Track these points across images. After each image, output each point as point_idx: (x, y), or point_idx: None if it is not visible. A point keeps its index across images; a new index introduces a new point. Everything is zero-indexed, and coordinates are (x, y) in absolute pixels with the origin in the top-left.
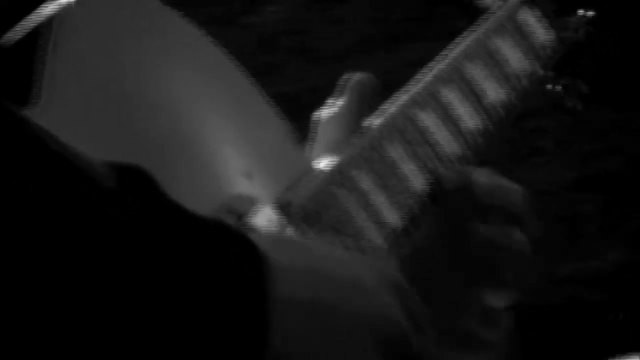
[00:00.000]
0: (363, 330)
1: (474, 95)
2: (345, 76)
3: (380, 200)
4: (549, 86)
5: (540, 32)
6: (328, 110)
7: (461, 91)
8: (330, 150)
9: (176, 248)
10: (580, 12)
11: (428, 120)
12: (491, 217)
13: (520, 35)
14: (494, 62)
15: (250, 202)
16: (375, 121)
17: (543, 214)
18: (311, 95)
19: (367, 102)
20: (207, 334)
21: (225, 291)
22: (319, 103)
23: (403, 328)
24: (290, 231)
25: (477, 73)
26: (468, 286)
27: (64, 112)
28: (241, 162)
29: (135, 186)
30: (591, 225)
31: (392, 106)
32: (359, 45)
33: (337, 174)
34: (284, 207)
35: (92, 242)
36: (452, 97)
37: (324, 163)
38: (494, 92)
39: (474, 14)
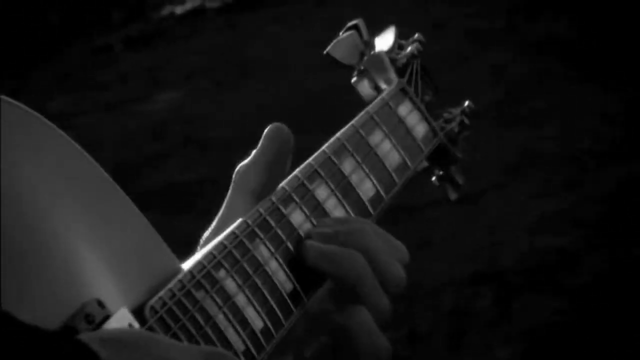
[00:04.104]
0: None
1: (343, 191)
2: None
3: (244, 301)
4: (433, 177)
5: (413, 124)
6: (246, 160)
7: (331, 186)
8: (250, 198)
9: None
10: (465, 104)
11: (297, 218)
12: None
13: (393, 128)
14: (366, 157)
15: (106, 306)
16: (245, 218)
17: (434, 308)
18: (199, 184)
19: (285, 148)
20: None
21: None
22: (207, 192)
23: None
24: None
25: (349, 167)
26: None
27: None
28: (98, 265)
29: None
30: (481, 320)
31: (261, 204)
32: (248, 135)
33: (200, 276)
34: (139, 311)
35: None
36: (321, 193)
37: (189, 263)
38: (364, 188)
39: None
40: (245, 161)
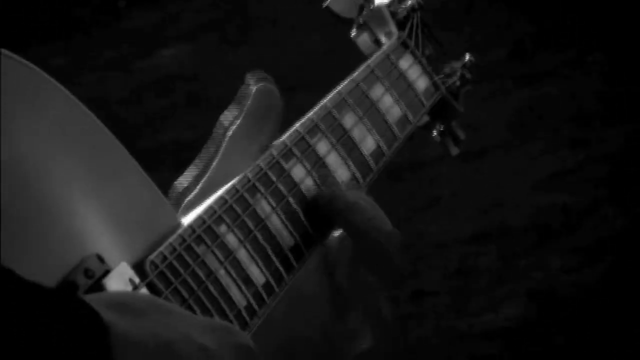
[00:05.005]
0: None
1: (344, 145)
2: (243, 86)
3: (245, 256)
4: (434, 132)
5: (415, 78)
6: (233, 125)
7: (332, 141)
8: (239, 154)
9: (5, 319)
10: (466, 57)
11: (298, 172)
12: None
13: (394, 81)
14: (367, 111)
15: (106, 261)
16: (246, 173)
17: (440, 266)
18: (204, 141)
19: (271, 108)
20: None
21: None
22: None
23: None
24: (145, 290)
25: (349, 122)
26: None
27: None
28: (98, 220)
29: None
30: (487, 278)
31: (262, 159)
32: None
33: (200, 230)
34: (140, 266)
35: None
36: (322, 147)
37: (189, 218)
38: (365, 142)
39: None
40: (232, 118)
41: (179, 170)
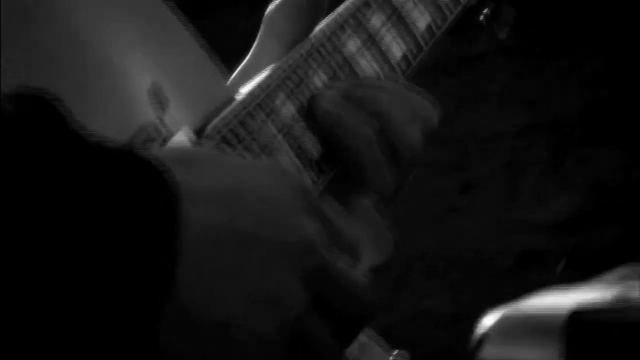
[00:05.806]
0: (280, 257)
1: (399, 21)
2: None
3: (301, 129)
4: (480, 15)
5: None
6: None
7: (386, 14)
8: (278, 42)
9: (76, 175)
10: None
11: (352, 47)
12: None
13: None
14: None
15: (165, 127)
16: (302, 44)
17: (489, 159)
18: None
19: None
20: (111, 265)
21: (130, 220)
22: None
23: (321, 252)
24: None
25: None
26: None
27: None
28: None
29: (37, 112)
30: (537, 172)
31: (316, 32)
32: None
33: (258, 101)
34: (199, 132)
35: None
36: (376, 22)
37: (246, 90)
38: (418, 18)
39: None
40: (275, 2)
41: (228, 59)
